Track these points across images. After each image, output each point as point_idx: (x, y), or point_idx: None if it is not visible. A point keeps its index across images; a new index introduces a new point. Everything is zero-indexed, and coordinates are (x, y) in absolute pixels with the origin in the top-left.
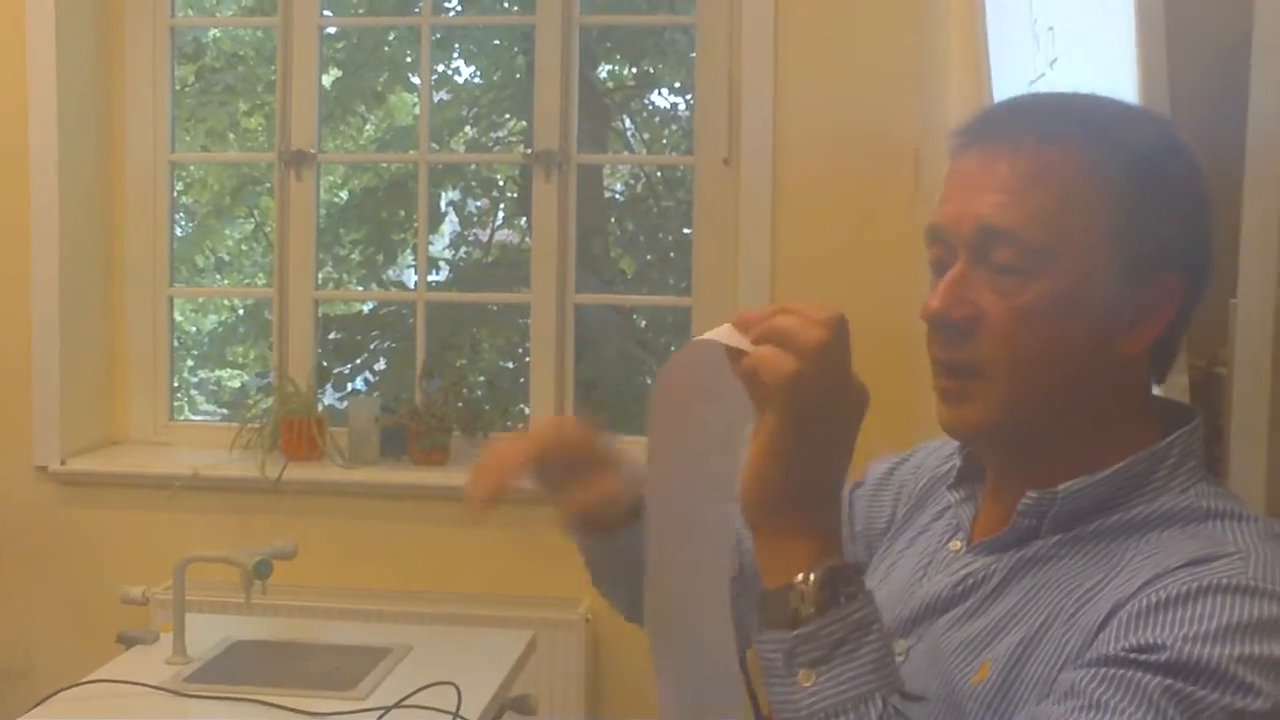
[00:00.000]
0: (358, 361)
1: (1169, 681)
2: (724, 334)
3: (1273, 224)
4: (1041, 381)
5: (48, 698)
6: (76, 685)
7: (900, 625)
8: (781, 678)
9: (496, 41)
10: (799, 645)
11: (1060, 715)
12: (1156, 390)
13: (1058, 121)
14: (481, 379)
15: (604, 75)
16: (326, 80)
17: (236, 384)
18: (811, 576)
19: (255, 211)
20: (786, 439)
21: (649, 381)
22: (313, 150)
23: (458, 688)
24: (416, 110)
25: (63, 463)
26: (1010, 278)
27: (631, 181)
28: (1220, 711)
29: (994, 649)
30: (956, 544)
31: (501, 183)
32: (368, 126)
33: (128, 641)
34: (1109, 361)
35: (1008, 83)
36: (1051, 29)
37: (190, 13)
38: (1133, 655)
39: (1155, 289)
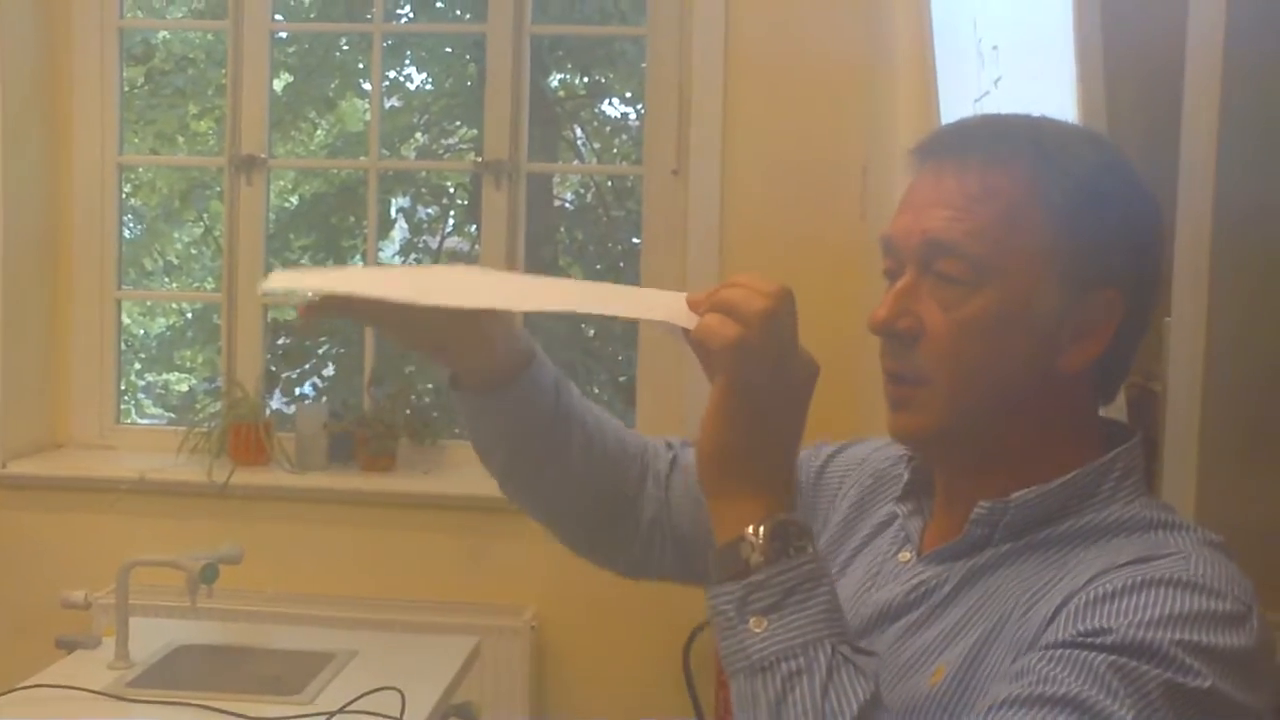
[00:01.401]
0: (306, 367)
1: (1114, 658)
2: (678, 315)
3: (1203, 244)
4: (982, 392)
5: None
6: (15, 690)
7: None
8: (733, 627)
9: (448, 49)
10: (751, 593)
11: (1011, 692)
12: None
13: (1004, 142)
14: (429, 386)
15: (555, 84)
16: (277, 85)
17: (184, 388)
18: (761, 529)
19: (204, 215)
20: (733, 403)
21: (596, 390)
22: (263, 155)
23: (402, 693)
24: (367, 116)
25: (4, 465)
26: (954, 290)
27: (581, 190)
28: (1160, 685)
29: (948, 654)
30: (906, 555)
31: (452, 190)
32: (318, 132)
33: (68, 645)
34: (1052, 377)
35: (954, 100)
36: (996, 48)
37: (139, 14)
38: (1081, 639)
39: (1096, 305)
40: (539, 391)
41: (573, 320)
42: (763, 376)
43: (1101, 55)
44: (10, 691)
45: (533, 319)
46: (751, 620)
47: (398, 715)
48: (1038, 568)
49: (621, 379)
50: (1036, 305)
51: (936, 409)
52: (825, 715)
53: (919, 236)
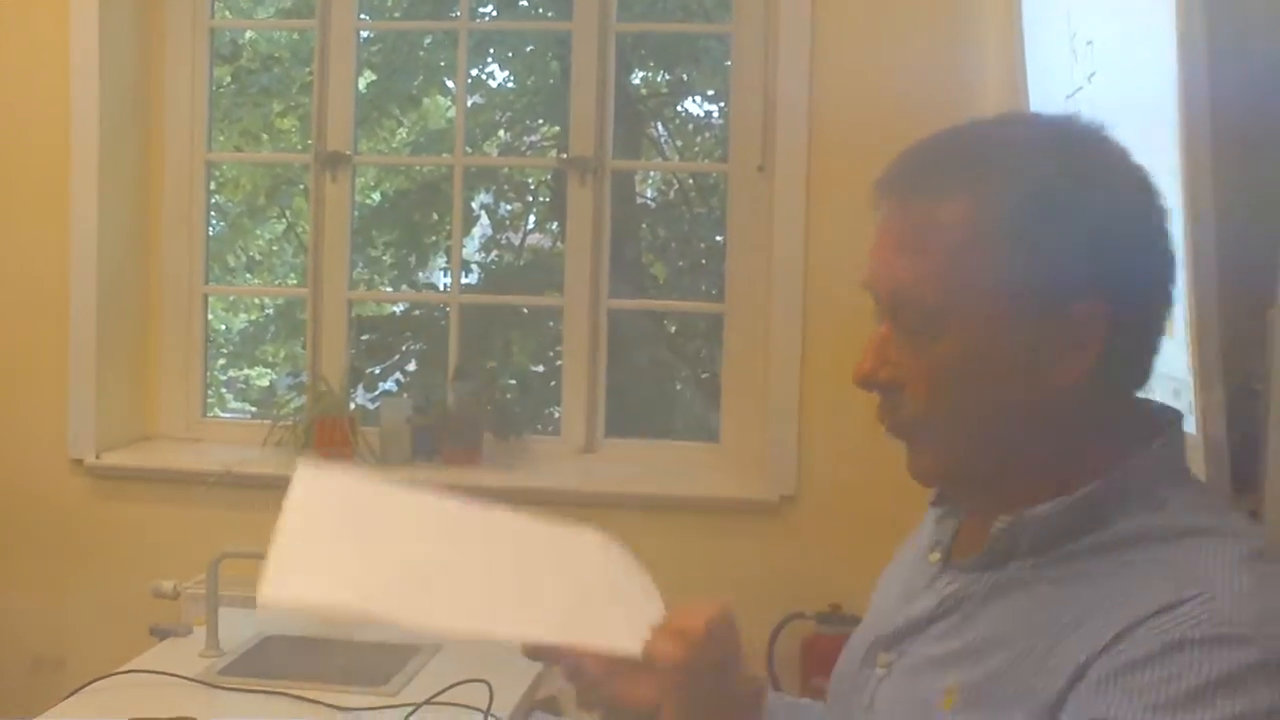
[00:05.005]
0: (389, 363)
1: None
2: (630, 648)
3: None
4: (976, 426)
5: (82, 687)
6: (111, 675)
7: (884, 641)
8: None
9: (530, 46)
10: None
11: None
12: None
13: (945, 174)
14: (512, 382)
15: (637, 81)
16: (361, 83)
17: (264, 382)
18: None
19: (287, 211)
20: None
21: (679, 387)
22: (348, 152)
23: (490, 685)
24: (449, 114)
25: (97, 456)
26: (918, 337)
27: (664, 187)
28: None
29: (961, 674)
30: (935, 555)
31: (533, 187)
32: (401, 130)
33: (160, 634)
34: (1048, 394)
35: (1045, 95)
36: (1090, 43)
37: (228, 15)
38: None
39: (1073, 319)
40: None
41: (654, 315)
42: (709, 689)
43: (1206, 49)
44: (107, 676)
45: (614, 317)
46: None
47: (485, 707)
48: (1063, 591)
49: (704, 375)
50: (1004, 335)
51: (937, 449)
52: None
53: (884, 285)
